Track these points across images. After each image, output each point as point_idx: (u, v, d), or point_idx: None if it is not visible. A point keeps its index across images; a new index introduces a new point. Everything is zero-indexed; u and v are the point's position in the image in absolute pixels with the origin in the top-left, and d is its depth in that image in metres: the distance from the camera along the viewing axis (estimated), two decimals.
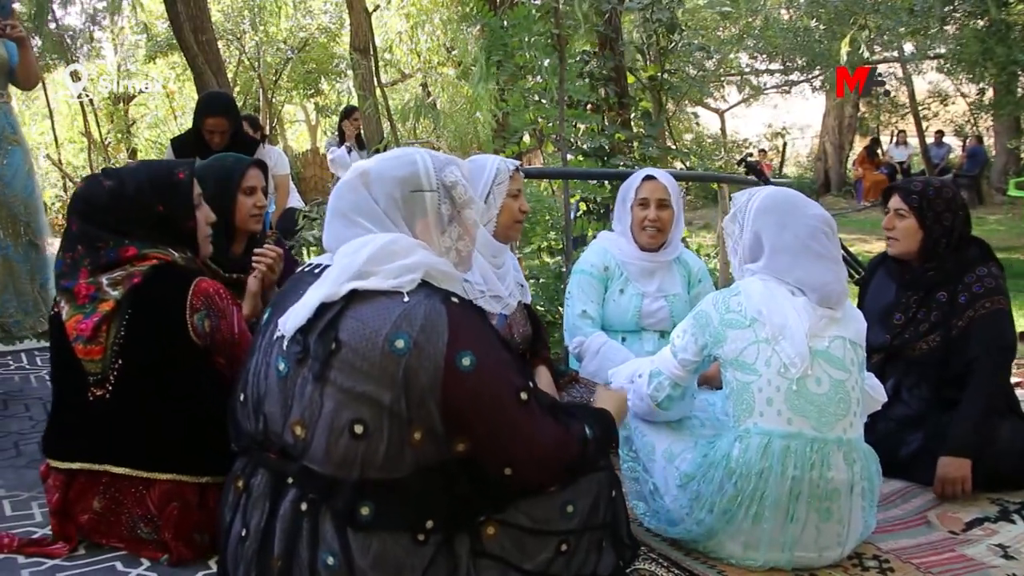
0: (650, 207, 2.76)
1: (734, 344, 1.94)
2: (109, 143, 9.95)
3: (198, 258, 2.04)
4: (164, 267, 1.90)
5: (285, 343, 1.46)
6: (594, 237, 3.19)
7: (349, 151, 6.24)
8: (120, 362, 1.84)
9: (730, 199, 2.31)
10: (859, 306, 2.72)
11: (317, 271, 1.54)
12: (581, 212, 5.38)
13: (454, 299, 1.46)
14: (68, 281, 1.90)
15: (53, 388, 1.99)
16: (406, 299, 1.41)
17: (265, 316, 1.59)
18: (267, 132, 9.43)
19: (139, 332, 1.85)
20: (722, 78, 17.80)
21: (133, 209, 1.91)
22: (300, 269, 1.64)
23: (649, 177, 2.79)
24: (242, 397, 1.56)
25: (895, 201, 2.56)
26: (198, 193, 2.01)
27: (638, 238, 2.81)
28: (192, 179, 1.99)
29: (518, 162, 2.46)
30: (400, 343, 1.38)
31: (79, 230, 1.91)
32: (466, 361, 1.40)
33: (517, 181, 2.41)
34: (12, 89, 3.79)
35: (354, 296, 1.43)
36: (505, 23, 4.63)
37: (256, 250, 2.24)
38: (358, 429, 1.39)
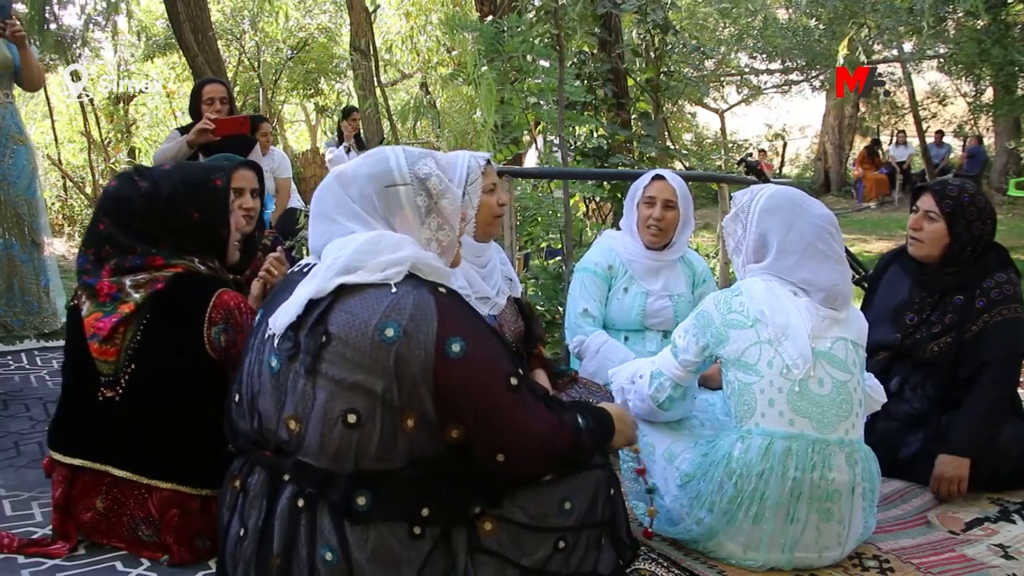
0: (655, 206, 2.76)
1: (736, 344, 1.94)
2: (109, 143, 9.93)
3: (224, 267, 2.02)
4: (188, 276, 1.89)
5: (276, 341, 1.48)
6: (594, 237, 3.18)
7: (348, 151, 6.24)
8: (133, 366, 1.83)
9: (730, 199, 2.30)
10: (867, 302, 2.71)
11: (306, 270, 1.55)
12: (580, 212, 5.38)
13: (442, 289, 1.49)
14: (91, 278, 1.89)
15: (63, 381, 1.98)
16: (394, 290, 1.43)
17: (258, 316, 1.61)
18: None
19: (156, 338, 1.84)
20: (721, 78, 17.79)
21: (167, 214, 1.89)
22: (291, 270, 1.65)
23: (659, 177, 2.81)
24: (237, 397, 1.57)
25: (927, 202, 2.48)
26: (232, 200, 1.99)
27: (641, 235, 2.82)
28: (229, 186, 1.97)
29: (488, 155, 2.35)
30: (390, 331, 1.39)
31: (107, 231, 1.90)
32: (456, 347, 1.42)
33: (490, 176, 2.31)
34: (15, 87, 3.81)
35: (342, 290, 1.44)
36: (506, 26, 4.62)
37: (268, 256, 2.22)
38: (351, 419, 1.40)
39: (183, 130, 3.72)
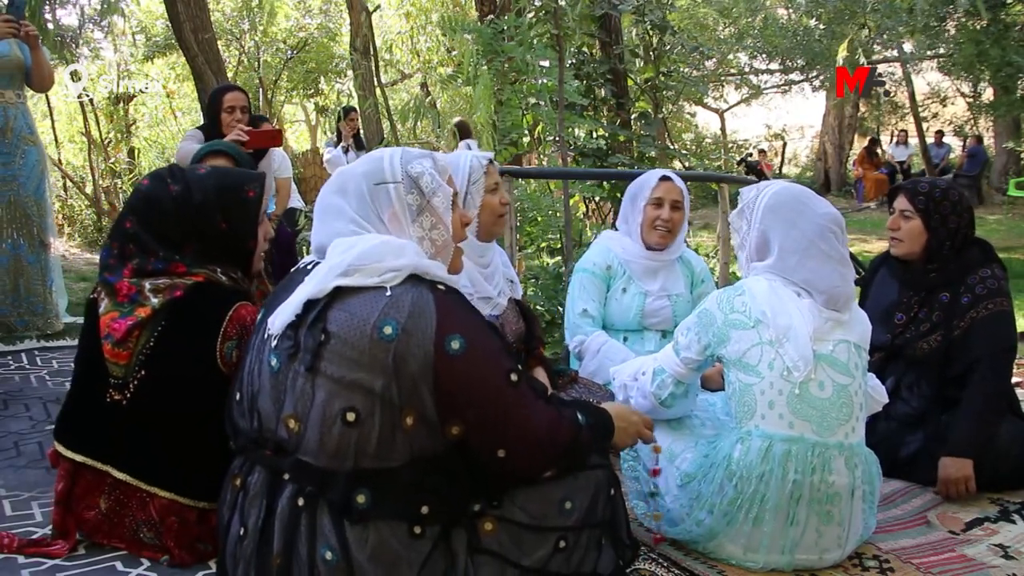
0: (664, 207, 2.77)
1: (737, 345, 1.93)
2: (109, 143, 9.91)
3: (248, 276, 2.00)
4: (208, 286, 1.87)
5: (275, 340, 1.48)
6: (593, 237, 3.19)
7: (346, 151, 6.24)
8: (143, 372, 1.82)
9: (731, 198, 2.30)
10: (861, 305, 2.72)
11: (309, 268, 1.55)
12: (580, 212, 5.39)
13: (440, 287, 1.49)
14: (112, 275, 1.88)
15: (74, 374, 1.97)
16: (388, 292, 1.43)
17: (260, 315, 1.61)
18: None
19: (169, 346, 1.83)
20: (721, 78, 17.79)
21: (195, 221, 1.87)
22: (294, 268, 1.66)
23: (666, 178, 2.81)
24: (238, 396, 1.58)
25: (901, 202, 2.53)
26: (263, 210, 1.97)
27: (647, 237, 2.81)
28: (261, 197, 1.94)
29: (490, 154, 2.39)
30: (388, 329, 1.40)
31: (133, 230, 1.88)
32: (455, 344, 1.42)
33: (493, 175, 2.34)
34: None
35: (340, 291, 1.45)
36: (505, 27, 4.63)
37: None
38: (350, 417, 1.40)
39: (203, 129, 3.71)
